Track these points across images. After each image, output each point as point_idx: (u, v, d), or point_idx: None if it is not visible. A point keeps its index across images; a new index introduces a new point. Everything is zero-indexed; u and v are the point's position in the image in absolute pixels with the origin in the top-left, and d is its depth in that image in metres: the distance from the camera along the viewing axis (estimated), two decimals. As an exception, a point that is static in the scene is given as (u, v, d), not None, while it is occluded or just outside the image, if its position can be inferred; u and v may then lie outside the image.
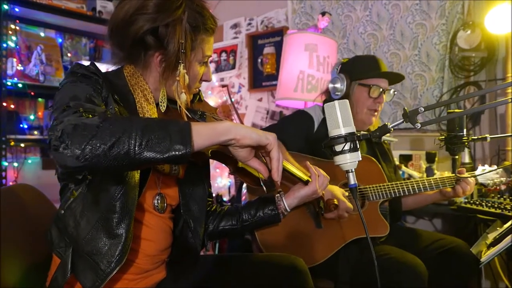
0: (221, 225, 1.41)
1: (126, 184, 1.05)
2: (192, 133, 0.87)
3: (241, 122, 1.23)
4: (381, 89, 1.85)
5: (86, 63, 1.12)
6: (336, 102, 1.02)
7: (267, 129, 1.88)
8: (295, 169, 1.40)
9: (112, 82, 1.12)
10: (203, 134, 0.90)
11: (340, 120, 1.02)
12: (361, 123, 1.89)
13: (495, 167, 1.80)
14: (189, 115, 1.18)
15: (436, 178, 1.80)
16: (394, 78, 1.92)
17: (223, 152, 1.19)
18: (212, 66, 3.60)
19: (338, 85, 1.86)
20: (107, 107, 1.04)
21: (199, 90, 1.32)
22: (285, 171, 1.35)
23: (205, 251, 2.55)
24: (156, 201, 1.16)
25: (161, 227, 1.20)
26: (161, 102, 1.16)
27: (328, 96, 1.97)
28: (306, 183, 1.39)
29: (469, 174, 1.78)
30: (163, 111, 1.17)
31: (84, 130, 0.83)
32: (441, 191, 1.83)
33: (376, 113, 1.89)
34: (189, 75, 1.16)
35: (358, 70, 1.88)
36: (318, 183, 1.39)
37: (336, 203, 1.49)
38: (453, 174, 1.77)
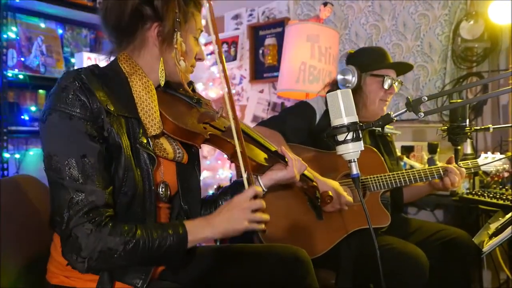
0: (201, 214, 1.39)
1: (142, 187, 1.08)
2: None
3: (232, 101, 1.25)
4: (393, 80, 1.84)
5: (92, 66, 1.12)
6: (338, 91, 1.02)
7: (268, 120, 1.87)
8: (269, 144, 1.39)
9: (108, 79, 1.11)
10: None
11: (343, 110, 1.01)
12: (373, 115, 1.85)
13: (497, 153, 1.81)
14: (186, 100, 1.23)
15: (437, 167, 1.80)
16: (403, 69, 1.91)
17: (220, 137, 1.23)
18: (213, 58, 3.57)
19: (348, 77, 1.83)
20: (107, 136, 1.04)
21: (192, 82, 1.32)
22: (269, 151, 1.35)
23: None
24: (160, 190, 1.15)
25: (161, 217, 1.20)
26: (160, 78, 1.16)
27: (334, 88, 1.95)
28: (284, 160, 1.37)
29: (470, 163, 1.79)
30: (162, 86, 1.18)
31: (109, 256, 0.98)
32: (430, 183, 1.85)
33: (387, 103, 1.88)
34: (186, 50, 1.16)
35: (368, 61, 1.85)
36: (296, 168, 1.37)
37: (330, 194, 1.49)
38: (441, 165, 1.81)
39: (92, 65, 1.14)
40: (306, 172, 1.46)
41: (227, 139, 1.22)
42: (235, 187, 1.41)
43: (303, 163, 1.43)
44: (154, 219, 1.12)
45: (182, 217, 1.25)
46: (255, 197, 1.14)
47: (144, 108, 1.10)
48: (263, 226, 1.14)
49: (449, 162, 1.84)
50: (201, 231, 1.09)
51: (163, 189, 1.16)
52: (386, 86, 1.81)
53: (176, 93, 1.26)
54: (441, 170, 1.79)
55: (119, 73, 1.13)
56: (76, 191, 0.98)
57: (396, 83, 1.85)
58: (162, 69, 1.16)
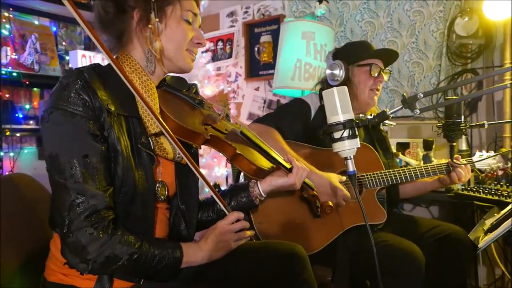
0: (198, 217, 1.38)
1: (142, 187, 1.09)
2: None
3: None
4: (380, 68, 1.85)
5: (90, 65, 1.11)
6: (334, 88, 1.02)
7: (264, 117, 1.87)
8: (280, 158, 1.39)
9: (109, 79, 1.09)
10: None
11: (339, 107, 1.02)
12: (365, 105, 1.88)
13: (492, 152, 1.81)
14: (189, 100, 1.24)
15: (433, 165, 1.81)
16: (389, 57, 1.92)
17: (221, 139, 1.23)
18: (208, 55, 3.56)
19: (336, 71, 1.84)
20: (107, 136, 1.03)
21: (196, 85, 1.32)
22: (270, 157, 1.36)
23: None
24: (156, 189, 1.15)
25: (159, 217, 1.20)
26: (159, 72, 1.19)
27: (325, 85, 1.95)
28: (290, 170, 1.38)
29: (465, 160, 1.79)
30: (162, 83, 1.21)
31: (113, 263, 1.00)
32: (439, 178, 1.84)
33: (377, 92, 1.89)
34: (174, 33, 1.15)
35: (354, 53, 1.87)
36: (297, 176, 1.38)
37: (331, 204, 1.53)
38: (448, 160, 1.79)
39: (94, 64, 1.13)
40: (307, 181, 1.47)
41: (228, 141, 1.24)
42: (233, 191, 1.40)
43: (305, 169, 1.43)
44: (153, 219, 1.13)
45: (179, 217, 1.25)
46: (237, 220, 1.22)
47: (143, 107, 1.09)
48: (248, 239, 1.25)
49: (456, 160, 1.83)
50: (193, 255, 1.14)
51: (159, 188, 1.15)
52: (373, 74, 1.83)
53: (179, 93, 1.26)
54: (436, 168, 1.79)
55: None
56: (77, 194, 0.98)
57: (385, 72, 1.87)
58: (154, 56, 1.15)
